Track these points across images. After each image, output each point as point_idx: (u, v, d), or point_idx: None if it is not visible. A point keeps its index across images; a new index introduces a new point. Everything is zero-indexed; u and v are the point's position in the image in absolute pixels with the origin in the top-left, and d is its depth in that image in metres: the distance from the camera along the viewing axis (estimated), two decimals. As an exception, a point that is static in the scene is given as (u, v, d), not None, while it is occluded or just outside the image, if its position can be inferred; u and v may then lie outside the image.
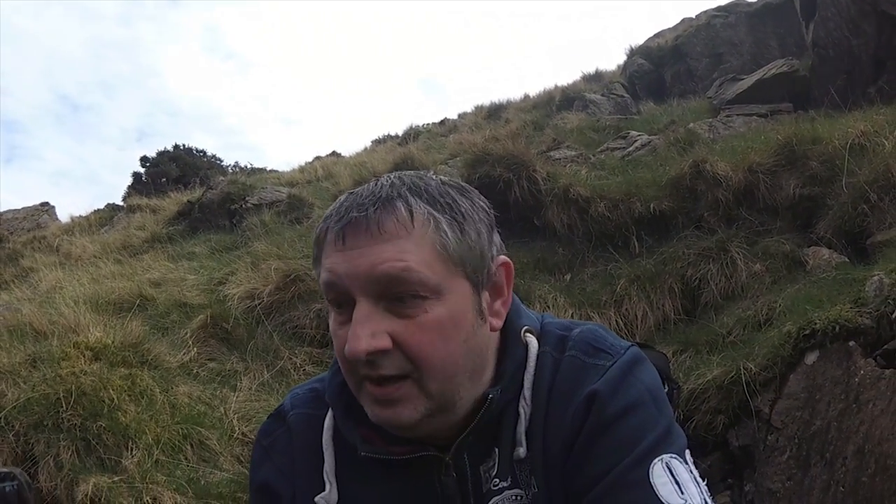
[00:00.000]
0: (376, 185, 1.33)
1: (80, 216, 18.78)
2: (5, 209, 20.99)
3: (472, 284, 1.32)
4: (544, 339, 1.46)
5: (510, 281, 1.40)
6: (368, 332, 1.25)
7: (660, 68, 17.54)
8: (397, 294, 1.25)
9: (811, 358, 4.99)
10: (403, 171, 1.45)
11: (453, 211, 1.30)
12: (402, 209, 1.26)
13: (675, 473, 1.27)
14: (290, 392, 1.62)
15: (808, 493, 4.56)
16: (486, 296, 1.36)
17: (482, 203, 1.39)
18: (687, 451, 1.33)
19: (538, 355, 1.43)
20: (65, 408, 5.60)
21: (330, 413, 1.47)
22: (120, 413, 5.75)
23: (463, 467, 1.40)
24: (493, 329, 1.38)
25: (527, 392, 1.39)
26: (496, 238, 1.39)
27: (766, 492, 4.83)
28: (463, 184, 1.41)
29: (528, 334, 1.45)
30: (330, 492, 1.41)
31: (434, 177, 1.38)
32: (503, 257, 1.39)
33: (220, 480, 5.46)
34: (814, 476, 4.57)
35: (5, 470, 1.04)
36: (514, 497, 1.39)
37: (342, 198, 1.36)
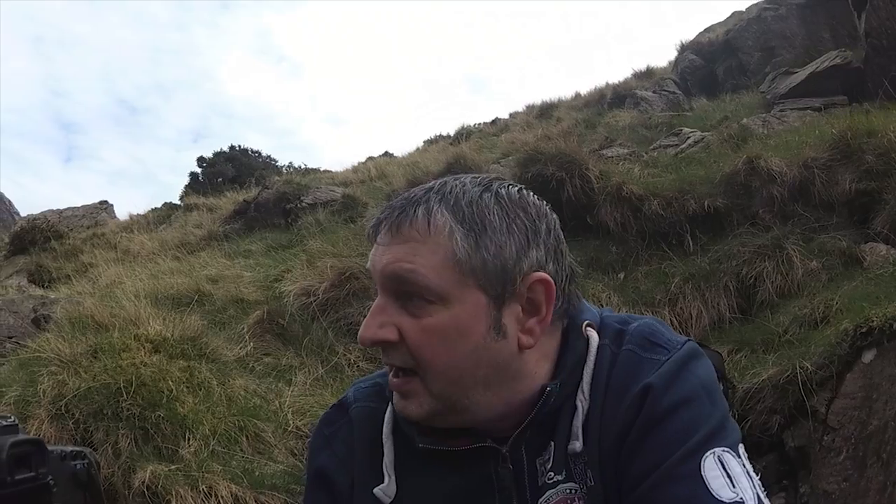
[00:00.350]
0: (419, 188, 1.39)
1: (138, 214, 19.03)
2: (65, 207, 21.32)
3: (488, 297, 1.32)
4: (603, 333, 1.46)
5: (550, 301, 1.36)
6: (378, 322, 1.33)
7: (711, 63, 17.40)
8: (407, 293, 1.31)
9: (868, 356, 4.94)
10: (460, 174, 1.48)
11: (474, 222, 1.31)
12: (422, 215, 1.31)
13: (727, 467, 1.25)
14: (354, 384, 1.65)
15: (864, 495, 4.51)
16: (515, 311, 1.35)
17: (525, 214, 1.37)
18: (740, 446, 1.31)
19: (598, 349, 1.43)
20: (125, 397, 5.67)
21: (390, 406, 1.49)
22: (178, 404, 5.84)
23: (520, 460, 1.41)
24: (522, 346, 1.36)
25: (585, 386, 1.40)
26: (534, 253, 1.35)
27: (821, 493, 4.79)
28: (515, 192, 1.40)
29: (588, 328, 1.45)
30: (388, 484, 1.43)
31: (482, 184, 1.39)
32: (541, 274, 1.35)
33: (275, 472, 5.52)
34: (870, 477, 4.52)
35: (77, 448, 1.08)
36: (568, 490, 1.38)
37: (395, 199, 1.42)
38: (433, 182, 1.41)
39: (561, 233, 1.44)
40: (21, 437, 0.98)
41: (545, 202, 1.45)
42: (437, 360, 1.32)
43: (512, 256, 1.32)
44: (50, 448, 1.05)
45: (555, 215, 1.45)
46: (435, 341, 1.31)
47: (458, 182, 1.38)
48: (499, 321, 1.32)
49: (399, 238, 1.32)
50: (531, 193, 1.44)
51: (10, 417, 1.00)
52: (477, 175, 1.43)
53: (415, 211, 1.32)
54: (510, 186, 1.40)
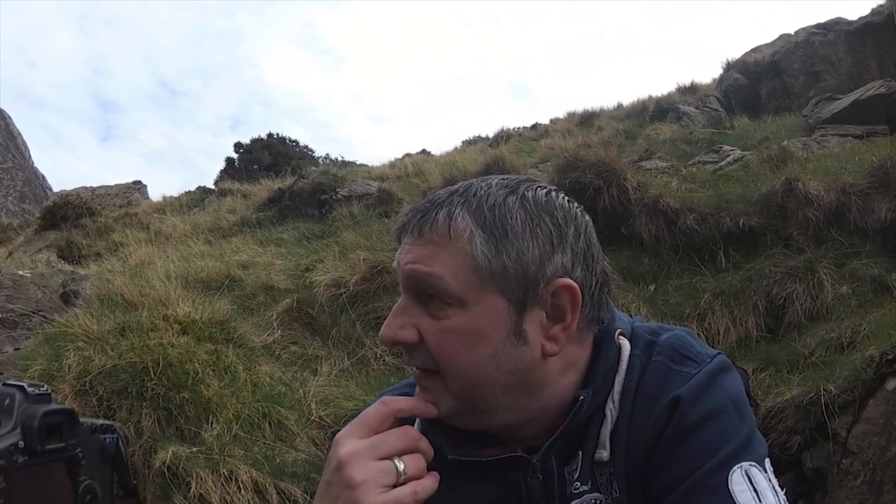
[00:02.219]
0: (446, 189, 1.40)
1: (172, 196, 19.02)
2: (98, 185, 21.43)
3: (509, 302, 1.31)
4: (634, 343, 1.45)
5: (576, 308, 1.35)
6: (399, 322, 1.35)
7: (756, 83, 17.27)
8: (428, 294, 1.32)
9: (892, 383, 4.93)
10: (495, 174, 1.47)
11: (495, 226, 1.31)
12: (443, 218, 1.32)
13: (753, 481, 1.26)
14: (380, 394, 1.62)
15: (879, 520, 4.53)
16: (539, 317, 1.34)
17: (551, 218, 1.35)
18: (767, 460, 1.32)
19: (629, 358, 1.43)
20: (150, 377, 5.71)
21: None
22: (203, 386, 5.86)
23: (550, 469, 1.41)
24: (546, 354, 1.35)
25: (616, 395, 1.40)
26: (559, 259, 1.34)
27: (837, 515, 4.80)
28: (542, 195, 1.39)
29: (621, 337, 1.45)
30: None
31: (509, 186, 1.38)
32: (565, 280, 1.33)
33: (296, 460, 5.54)
34: (885, 503, 4.54)
35: (107, 422, 1.08)
36: (593, 501, 1.40)
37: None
38: (459, 184, 1.41)
39: (594, 236, 1.43)
40: (54, 406, 0.99)
41: (577, 205, 1.43)
42: (456, 362, 1.32)
43: (534, 262, 1.31)
44: (81, 420, 1.05)
45: (588, 218, 1.44)
46: (454, 343, 1.31)
47: (483, 184, 1.38)
48: (519, 327, 1.32)
49: (421, 240, 1.33)
50: (561, 195, 1.42)
51: (43, 386, 1.01)
52: (506, 176, 1.43)
53: (436, 214, 1.33)
54: (538, 189, 1.39)
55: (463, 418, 1.38)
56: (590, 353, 1.44)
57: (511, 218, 1.32)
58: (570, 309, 1.34)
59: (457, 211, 1.32)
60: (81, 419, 1.07)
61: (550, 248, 1.33)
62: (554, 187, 1.44)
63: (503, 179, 1.41)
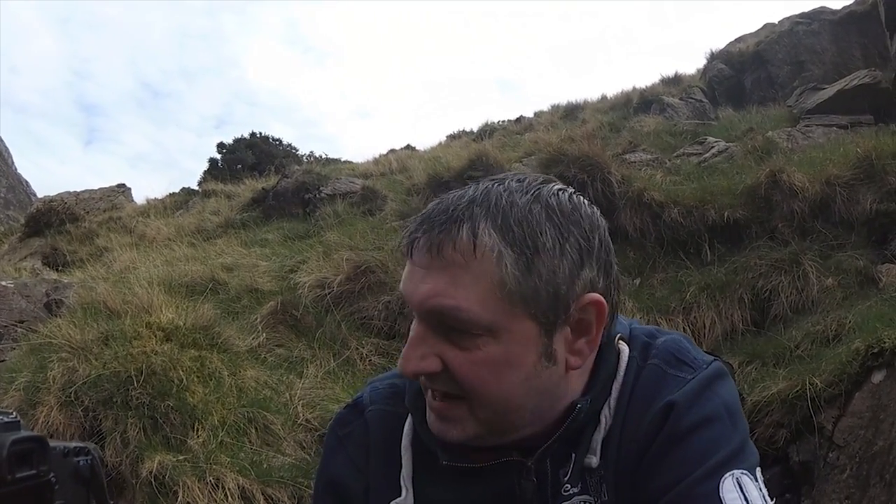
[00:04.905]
0: (459, 196, 1.27)
1: (156, 199, 18.92)
2: (82, 189, 21.35)
3: (539, 326, 1.25)
4: (631, 346, 1.43)
5: (602, 321, 1.30)
6: (419, 354, 1.27)
7: (740, 74, 17.30)
8: (450, 326, 1.24)
9: (878, 377, 4.94)
10: (503, 175, 1.35)
11: (525, 244, 1.21)
12: (466, 236, 1.20)
13: (744, 490, 1.24)
14: (370, 384, 1.60)
15: (866, 514, 4.52)
16: (565, 333, 1.29)
17: (579, 230, 1.28)
18: (758, 469, 1.29)
19: (627, 362, 1.40)
20: (134, 386, 5.69)
21: (410, 418, 1.46)
22: (188, 393, 5.85)
23: (544, 472, 1.38)
24: (570, 368, 1.31)
25: (612, 401, 1.37)
26: (587, 273, 1.27)
27: (823, 509, 4.79)
28: (566, 201, 1.30)
29: (620, 342, 1.42)
30: (406, 497, 1.41)
31: (531, 192, 1.28)
32: (593, 296, 1.27)
33: (283, 465, 5.52)
34: (872, 496, 4.52)
35: (80, 444, 1.06)
36: (582, 503, 1.36)
37: (431, 205, 1.31)
38: (473, 189, 1.29)
39: (610, 241, 1.35)
40: (22, 434, 0.96)
41: (595, 208, 1.37)
42: (488, 390, 1.26)
43: (565, 281, 1.24)
44: (52, 444, 1.01)
45: (604, 221, 1.37)
46: (486, 373, 1.25)
47: (503, 189, 1.27)
48: (549, 348, 1.27)
49: (439, 261, 1.22)
50: (583, 200, 1.35)
51: (11, 413, 0.98)
52: (522, 177, 1.33)
53: (459, 230, 1.21)
54: (561, 193, 1.31)
55: (485, 440, 1.33)
56: (594, 358, 1.40)
57: (541, 233, 1.23)
58: (595, 323, 1.30)
59: (482, 226, 1.21)
60: (53, 443, 1.03)
61: (580, 262, 1.26)
62: (572, 189, 1.36)
63: (521, 181, 1.30)
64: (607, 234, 1.35)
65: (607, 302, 1.31)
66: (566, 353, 1.30)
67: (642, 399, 1.36)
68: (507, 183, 1.29)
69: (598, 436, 1.36)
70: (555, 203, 1.27)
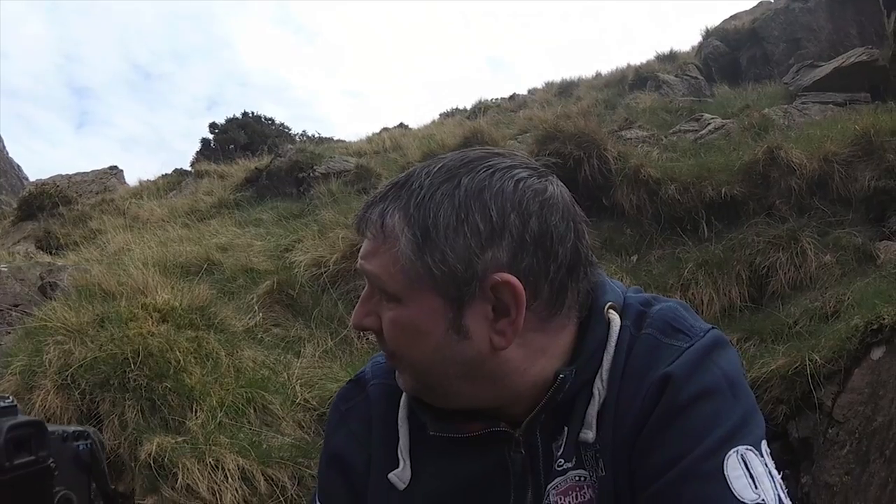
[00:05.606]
0: (393, 180, 1.37)
1: (148, 180, 18.97)
2: (74, 172, 21.34)
3: (444, 300, 1.27)
4: (625, 314, 1.40)
5: (519, 302, 1.27)
6: (364, 310, 1.37)
7: (735, 51, 17.30)
8: (379, 288, 1.33)
9: (877, 353, 4.93)
10: (468, 149, 1.40)
11: (419, 224, 1.26)
12: (377, 218, 1.31)
13: (749, 466, 1.20)
14: (372, 360, 1.64)
15: (865, 489, 4.50)
16: (484, 311, 1.28)
17: (481, 215, 1.26)
18: (763, 442, 1.26)
19: (619, 331, 1.37)
20: (131, 368, 5.66)
21: None
22: (185, 375, 5.83)
23: (535, 444, 1.37)
24: (496, 348, 1.30)
25: (604, 373, 1.34)
26: (493, 254, 1.25)
27: (822, 485, 4.78)
28: (483, 183, 1.28)
29: (611, 311, 1.39)
30: (403, 469, 1.43)
31: (450, 171, 1.30)
32: (503, 275, 1.25)
33: (282, 445, 5.51)
34: (872, 472, 4.51)
35: (79, 428, 1.03)
36: (577, 478, 1.34)
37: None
38: (407, 172, 1.37)
39: (558, 216, 1.30)
40: (20, 419, 0.96)
41: (536, 183, 1.31)
42: (404, 352, 1.34)
43: (462, 260, 1.25)
44: (51, 429, 1.02)
45: (551, 196, 1.32)
46: (399, 336, 1.32)
47: (424, 172, 1.32)
48: (458, 322, 1.28)
49: (367, 234, 1.34)
50: (515, 174, 1.30)
51: (8, 398, 0.97)
52: (465, 154, 1.35)
53: (372, 213, 1.33)
54: (484, 171, 1.29)
55: (428, 396, 1.39)
56: (574, 333, 1.38)
57: (434, 215, 1.26)
58: (513, 304, 1.27)
59: (390, 209, 1.30)
60: (53, 427, 1.03)
61: (480, 243, 1.25)
62: (513, 163, 1.33)
63: (453, 161, 1.32)
64: (547, 212, 1.30)
65: (544, 282, 1.29)
66: (489, 331, 1.29)
67: (637, 370, 1.33)
68: (434, 165, 1.33)
69: (593, 409, 1.33)
70: (465, 183, 1.28)
